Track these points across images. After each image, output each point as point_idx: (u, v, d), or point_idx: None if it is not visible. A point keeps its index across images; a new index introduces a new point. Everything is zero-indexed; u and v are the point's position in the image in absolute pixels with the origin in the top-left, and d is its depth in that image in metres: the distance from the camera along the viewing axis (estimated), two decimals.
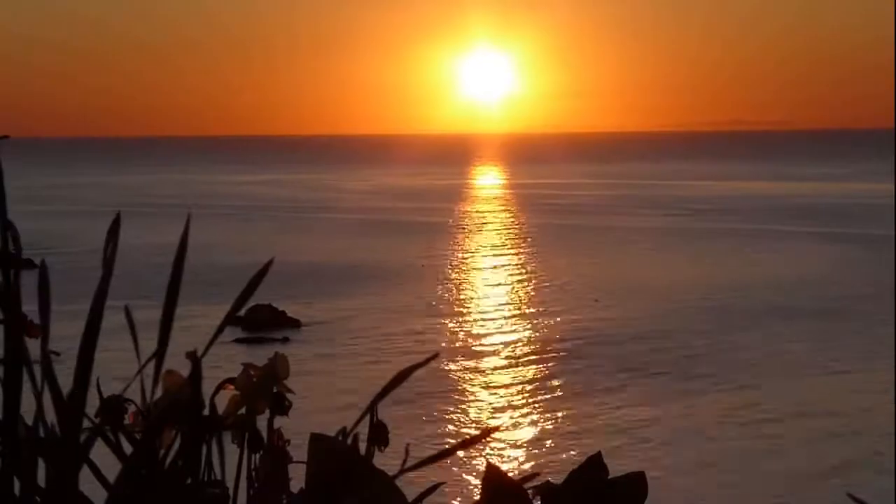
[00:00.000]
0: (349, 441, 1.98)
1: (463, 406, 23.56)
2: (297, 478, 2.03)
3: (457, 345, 29.33)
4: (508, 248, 52.94)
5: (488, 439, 19.99)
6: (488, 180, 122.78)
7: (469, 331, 31.62)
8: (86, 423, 1.74)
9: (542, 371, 26.75)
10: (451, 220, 67.51)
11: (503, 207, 79.90)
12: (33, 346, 1.75)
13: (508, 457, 20.02)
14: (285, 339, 29.66)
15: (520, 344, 29.87)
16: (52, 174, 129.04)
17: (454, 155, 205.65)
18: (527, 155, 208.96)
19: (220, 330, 1.79)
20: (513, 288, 40.05)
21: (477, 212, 74.87)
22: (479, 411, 23.25)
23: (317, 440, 2.03)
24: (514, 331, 31.73)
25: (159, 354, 1.74)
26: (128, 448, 1.80)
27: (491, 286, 40.54)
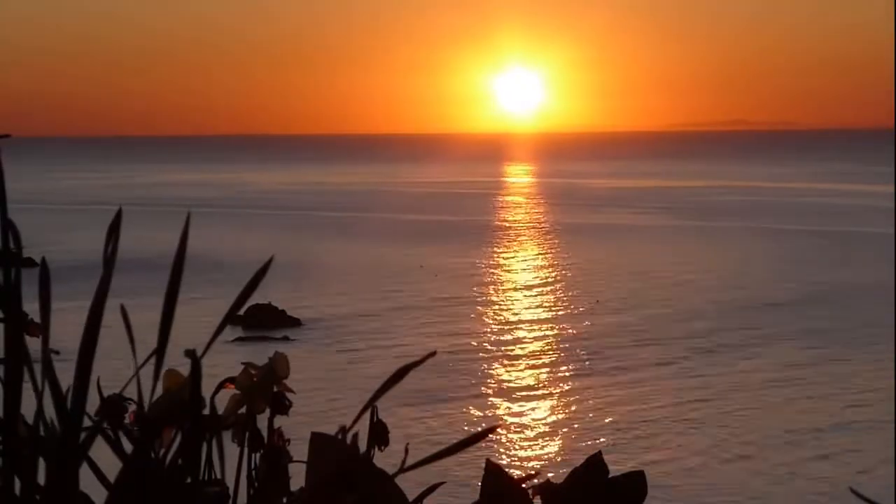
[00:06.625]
0: (349, 440, 1.98)
1: (461, 404, 23.57)
2: (297, 477, 2.03)
3: (455, 344, 29.32)
4: (512, 249, 52.92)
5: (489, 437, 19.99)
6: (498, 179, 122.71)
7: (468, 331, 31.62)
8: (86, 423, 1.74)
9: (541, 370, 26.76)
10: (449, 221, 67.48)
11: (513, 206, 79.88)
12: (33, 344, 1.75)
13: (508, 454, 20.02)
14: (285, 338, 29.64)
15: (518, 343, 29.87)
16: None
17: (459, 155, 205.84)
18: (533, 154, 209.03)
19: (220, 329, 1.79)
20: (513, 288, 40.03)
21: (479, 212, 74.83)
22: (476, 409, 23.26)
23: (317, 439, 2.02)
24: (512, 330, 31.73)
25: (159, 353, 1.74)
26: (128, 447, 1.80)
27: (492, 286, 40.52)
